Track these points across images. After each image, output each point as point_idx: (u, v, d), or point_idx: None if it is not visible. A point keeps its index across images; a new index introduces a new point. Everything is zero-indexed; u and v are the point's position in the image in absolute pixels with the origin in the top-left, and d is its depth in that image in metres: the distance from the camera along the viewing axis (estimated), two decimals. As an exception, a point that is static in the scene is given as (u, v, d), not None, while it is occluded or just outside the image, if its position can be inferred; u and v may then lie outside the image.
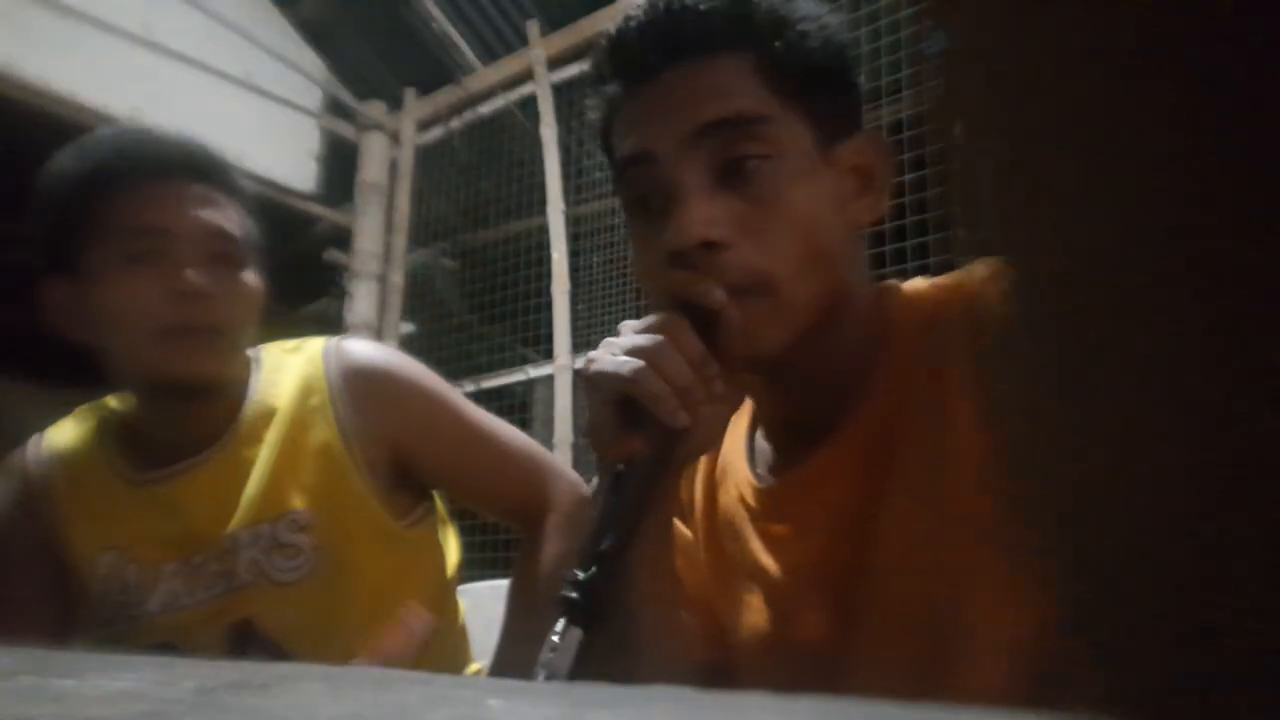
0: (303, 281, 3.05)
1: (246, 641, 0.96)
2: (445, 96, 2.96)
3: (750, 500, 0.73)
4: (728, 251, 0.61)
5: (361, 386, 1.01)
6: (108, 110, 2.46)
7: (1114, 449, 0.20)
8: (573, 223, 2.60)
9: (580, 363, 2.47)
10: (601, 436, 0.62)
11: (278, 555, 0.96)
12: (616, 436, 0.60)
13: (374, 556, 1.00)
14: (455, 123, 2.96)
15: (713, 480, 0.78)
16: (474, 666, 1.12)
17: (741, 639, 0.73)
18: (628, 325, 0.63)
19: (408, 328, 2.98)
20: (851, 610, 0.65)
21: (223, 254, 0.95)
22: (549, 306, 2.57)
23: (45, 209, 0.94)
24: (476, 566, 1.87)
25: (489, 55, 2.87)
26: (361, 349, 1.06)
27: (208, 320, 0.92)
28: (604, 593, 0.56)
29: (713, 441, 0.71)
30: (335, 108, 3.14)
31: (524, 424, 2.58)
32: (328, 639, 0.97)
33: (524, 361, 2.66)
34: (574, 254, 2.59)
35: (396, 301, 2.99)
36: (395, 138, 3.12)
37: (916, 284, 0.70)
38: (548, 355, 2.57)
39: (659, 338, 0.60)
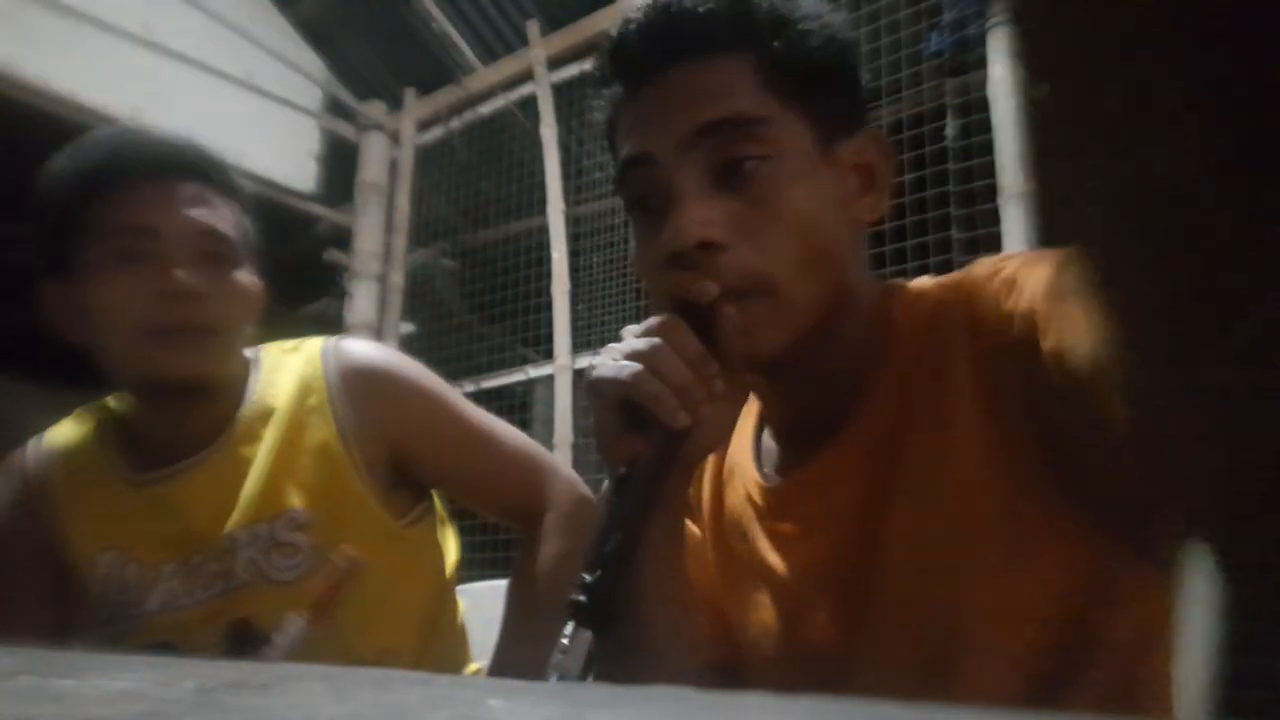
0: (303, 281, 3.05)
1: (245, 641, 0.96)
2: (445, 96, 2.96)
3: (757, 500, 0.73)
4: (725, 252, 0.61)
5: (360, 386, 1.01)
6: (108, 110, 2.46)
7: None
8: (573, 223, 2.60)
9: (580, 363, 2.47)
10: (605, 440, 0.62)
11: (276, 554, 0.96)
12: (619, 440, 0.60)
13: (372, 556, 1.00)
14: (455, 123, 2.96)
15: (720, 480, 0.79)
16: (474, 666, 1.12)
17: (749, 638, 0.73)
18: (629, 330, 0.63)
19: (408, 328, 2.98)
20: (858, 609, 0.65)
21: (215, 254, 0.95)
22: (549, 306, 2.57)
23: (40, 210, 0.94)
24: (476, 566, 1.87)
25: (489, 55, 2.87)
26: (360, 349, 1.06)
27: (198, 320, 0.92)
28: (611, 595, 0.56)
29: (719, 441, 0.71)
30: (335, 108, 3.14)
31: (524, 424, 2.58)
32: (327, 637, 0.97)
33: (524, 361, 2.66)
34: (574, 254, 2.59)
35: (396, 301, 2.99)
36: (395, 138, 3.12)
37: (920, 283, 0.70)
38: (548, 355, 2.57)
39: (657, 340, 0.60)
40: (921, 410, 0.63)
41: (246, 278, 0.98)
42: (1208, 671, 0.77)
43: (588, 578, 0.56)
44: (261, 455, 0.99)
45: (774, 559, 0.71)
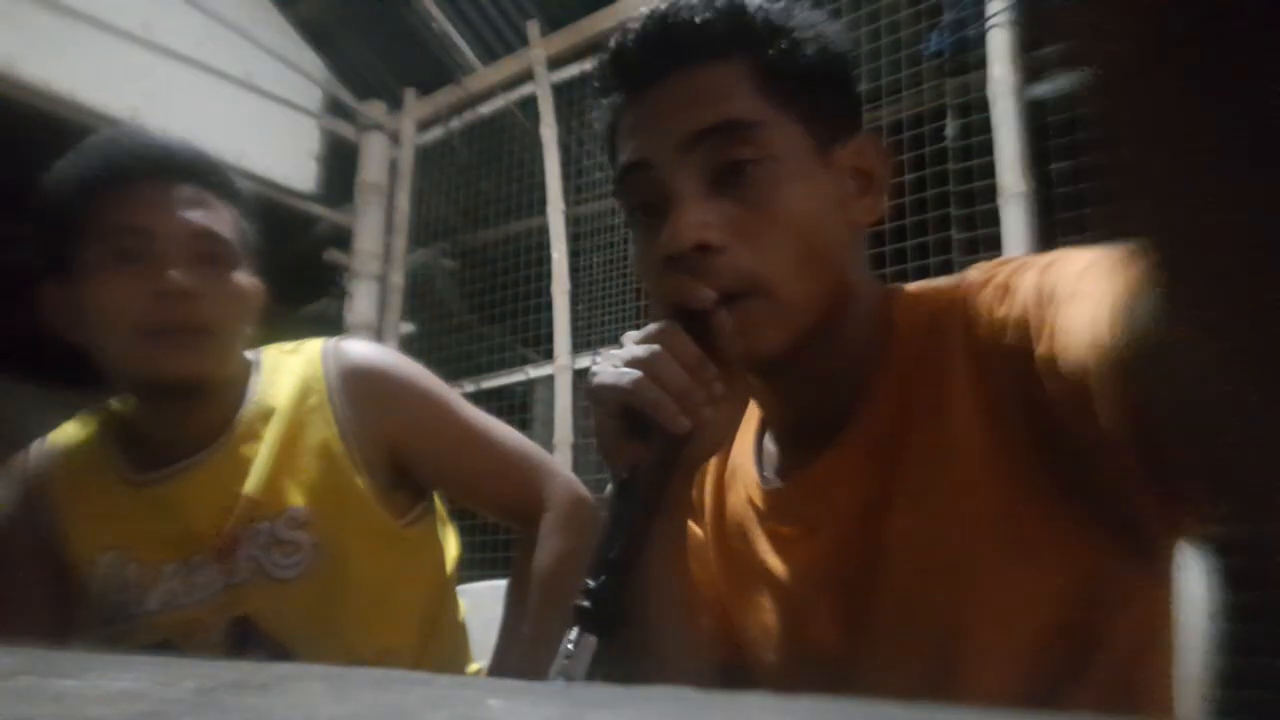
0: (303, 281, 3.05)
1: (246, 638, 0.97)
2: (445, 96, 2.96)
3: (758, 502, 0.73)
4: (723, 254, 0.62)
5: (359, 386, 1.02)
6: (107, 110, 2.46)
7: None
8: (573, 223, 2.60)
9: (580, 363, 2.47)
10: (607, 447, 0.63)
11: (276, 552, 0.97)
12: (621, 446, 0.61)
13: (372, 554, 1.00)
14: (455, 123, 2.96)
15: (722, 483, 0.79)
16: (474, 666, 1.12)
17: (752, 639, 0.74)
18: (628, 337, 0.64)
19: (408, 328, 2.98)
20: (858, 610, 0.65)
21: (211, 255, 0.95)
22: (549, 306, 2.57)
23: (41, 212, 0.95)
24: (476, 566, 1.87)
25: (489, 55, 2.87)
26: (359, 349, 1.06)
27: (193, 320, 0.93)
28: (616, 600, 0.56)
29: (720, 444, 0.72)
30: (335, 108, 3.14)
31: (524, 424, 2.58)
32: (327, 636, 0.97)
33: (524, 361, 2.66)
34: (574, 254, 2.58)
35: (396, 301, 2.99)
36: (395, 138, 3.12)
37: (918, 287, 0.70)
38: (548, 355, 2.57)
39: (655, 346, 0.61)
40: (921, 412, 0.63)
41: (244, 279, 0.99)
42: (1208, 671, 0.77)
43: (592, 583, 0.57)
44: (262, 454, 0.99)
45: (774, 561, 0.71)
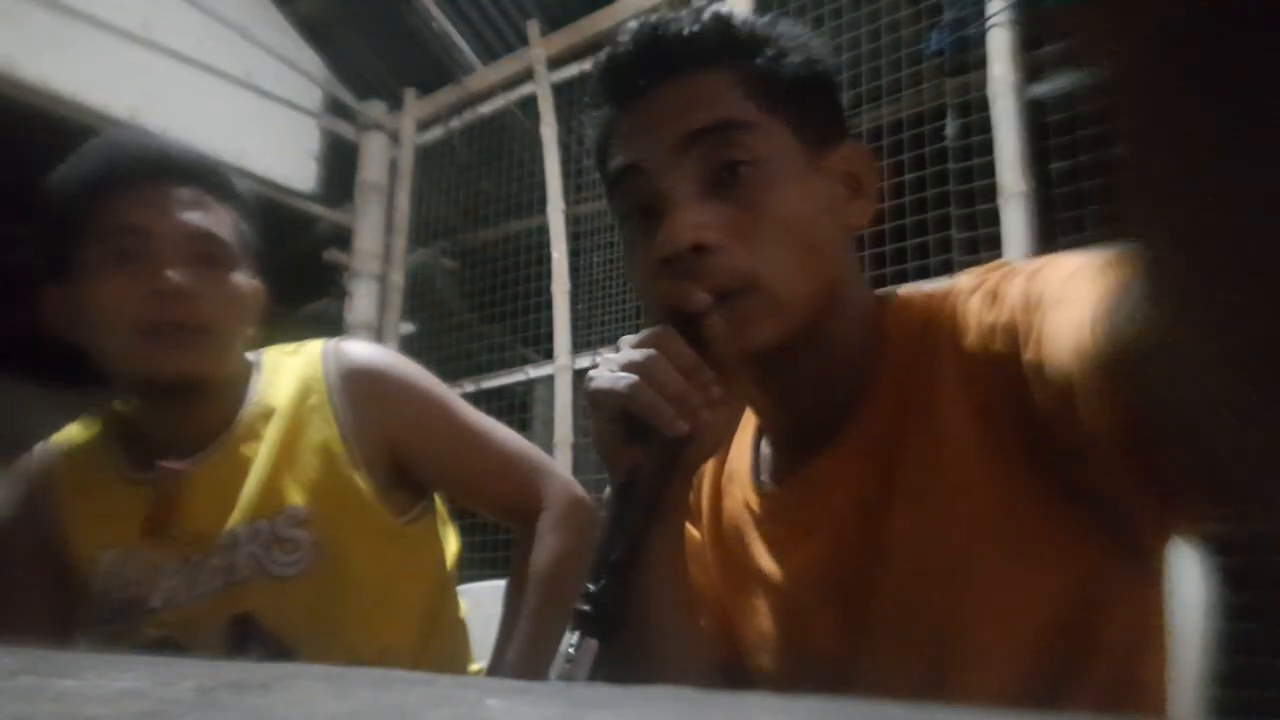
0: (303, 281, 3.05)
1: (247, 636, 0.97)
2: (445, 96, 2.96)
3: (755, 506, 0.74)
4: (717, 254, 0.63)
5: (359, 387, 1.02)
6: (107, 110, 2.46)
7: None
8: (573, 223, 2.60)
9: (580, 363, 2.47)
10: (606, 451, 0.63)
11: (276, 550, 0.97)
12: (620, 450, 0.62)
13: (372, 552, 1.01)
14: (455, 123, 2.96)
15: (719, 487, 0.79)
16: (474, 666, 1.12)
17: (750, 642, 0.74)
18: (625, 340, 0.65)
19: (408, 328, 2.98)
20: (856, 612, 0.65)
21: (209, 255, 0.96)
22: (549, 306, 2.57)
23: (40, 213, 0.96)
24: (476, 566, 1.87)
25: (489, 55, 2.87)
26: (359, 350, 1.06)
27: (190, 319, 0.94)
28: (616, 603, 0.57)
29: (717, 446, 0.72)
30: (335, 108, 3.14)
31: (524, 424, 2.58)
32: (327, 633, 0.97)
33: (524, 361, 2.66)
34: (574, 254, 2.58)
35: (396, 301, 2.99)
36: (395, 138, 3.12)
37: (910, 292, 0.71)
38: (548, 355, 2.57)
39: (651, 350, 0.61)
40: (916, 416, 0.64)
41: (242, 280, 0.99)
42: (1205, 671, 0.77)
43: (592, 587, 0.57)
44: (262, 453, 1.00)
45: (771, 564, 0.72)
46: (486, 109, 2.88)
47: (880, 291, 0.73)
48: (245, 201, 1.03)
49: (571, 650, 0.55)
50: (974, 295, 0.63)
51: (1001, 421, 0.59)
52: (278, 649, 0.97)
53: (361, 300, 2.97)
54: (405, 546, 1.05)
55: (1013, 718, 0.23)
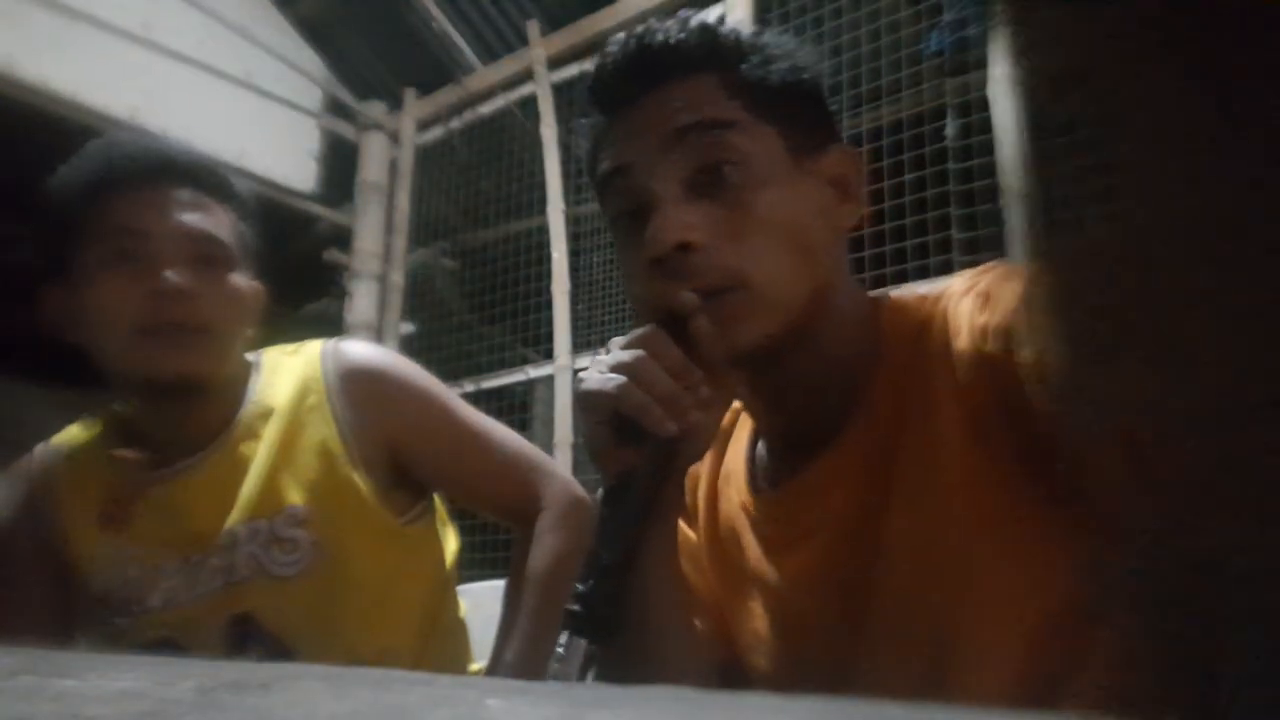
0: (303, 281, 3.05)
1: (247, 636, 0.97)
2: (445, 96, 2.96)
3: (751, 509, 0.74)
4: (704, 253, 0.63)
5: (358, 387, 1.02)
6: (107, 110, 2.46)
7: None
8: (573, 223, 2.60)
9: (580, 363, 2.47)
10: (598, 452, 0.64)
11: (276, 550, 0.97)
12: (611, 451, 0.62)
13: (372, 552, 1.01)
14: (455, 123, 2.96)
15: (715, 489, 0.79)
16: (474, 666, 1.12)
17: (746, 644, 0.74)
18: (614, 342, 0.65)
19: (408, 328, 2.98)
20: (853, 615, 0.65)
21: (207, 256, 0.96)
22: (549, 306, 2.57)
23: (40, 215, 0.97)
24: (476, 566, 1.87)
25: (489, 55, 2.86)
26: (358, 350, 1.07)
27: (188, 319, 0.94)
28: (607, 603, 0.57)
29: (709, 445, 0.72)
30: (335, 108, 3.14)
31: (524, 424, 2.58)
32: (327, 633, 0.97)
33: (524, 361, 2.66)
34: (574, 254, 2.58)
35: (396, 301, 2.98)
36: (395, 138, 3.12)
37: (905, 295, 0.71)
38: (548, 355, 2.57)
39: (639, 351, 0.62)
40: (912, 419, 0.64)
41: (241, 280, 0.99)
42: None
43: (582, 587, 0.58)
44: (261, 453, 1.00)
45: (768, 567, 0.72)
46: (486, 109, 2.87)
47: (874, 294, 0.73)
48: (244, 202, 1.04)
49: (561, 649, 0.56)
50: (967, 297, 0.64)
51: (997, 423, 0.59)
52: (277, 649, 0.97)
53: (361, 300, 2.97)
54: (405, 546, 1.05)
55: (1011, 717, 0.23)
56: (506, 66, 2.80)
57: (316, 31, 3.06)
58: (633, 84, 0.67)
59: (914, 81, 1.97)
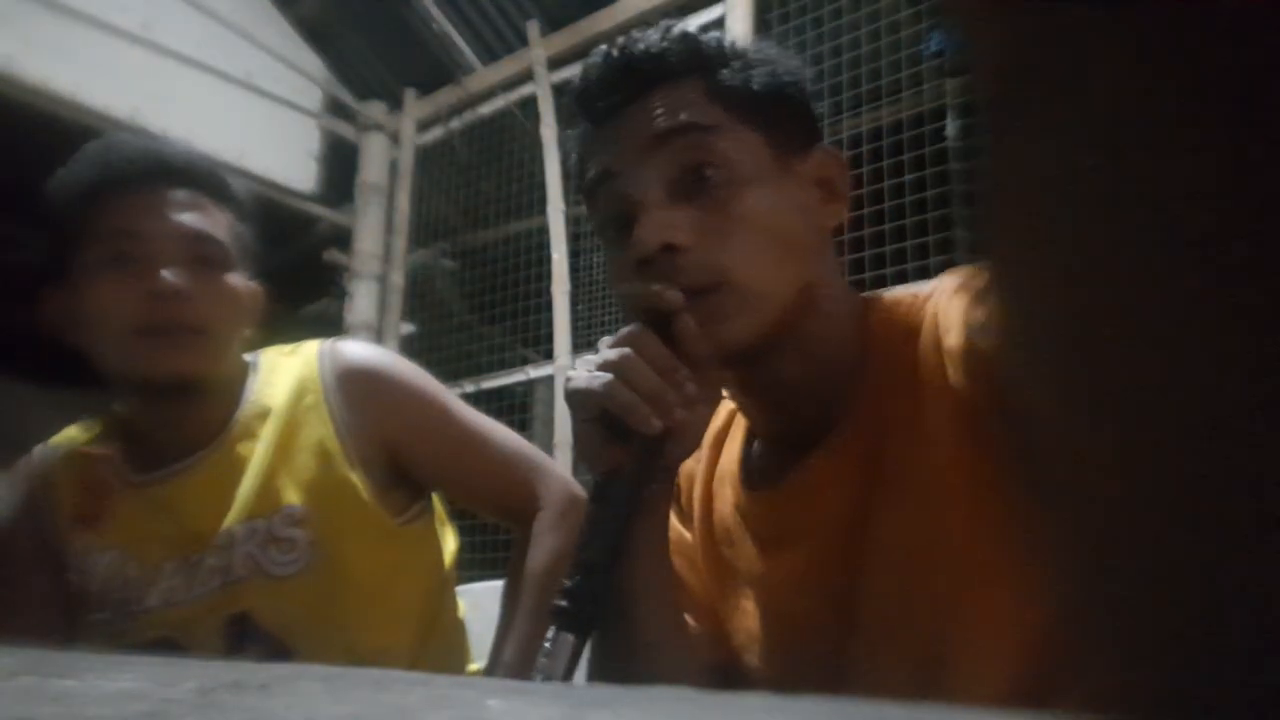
0: (303, 281, 3.05)
1: (245, 635, 0.97)
2: (445, 96, 2.96)
3: (745, 508, 0.74)
4: (688, 253, 0.64)
5: (356, 386, 1.02)
6: (107, 110, 2.46)
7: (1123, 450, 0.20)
8: (573, 223, 2.60)
9: (580, 363, 2.47)
10: (585, 451, 0.64)
11: (273, 549, 0.97)
12: (599, 450, 0.63)
13: (370, 552, 1.01)
14: (455, 123, 2.96)
15: (710, 489, 0.79)
16: (473, 666, 1.12)
17: (739, 644, 0.74)
18: (603, 341, 0.66)
19: (408, 328, 2.98)
20: (844, 616, 0.65)
21: (205, 257, 0.97)
22: (549, 306, 2.57)
23: (39, 217, 0.97)
24: (476, 567, 1.87)
25: (489, 55, 2.87)
26: (356, 350, 1.07)
27: (185, 320, 0.94)
28: (593, 599, 0.58)
29: (697, 443, 0.73)
30: (335, 108, 3.14)
31: (524, 424, 2.58)
32: (325, 632, 0.97)
33: (524, 361, 2.66)
34: (574, 254, 2.59)
35: (396, 302, 2.99)
36: (395, 138, 3.12)
37: (896, 294, 0.72)
38: (548, 355, 2.57)
39: (626, 350, 0.62)
40: (903, 417, 0.64)
41: (238, 281, 1.00)
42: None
43: (569, 583, 0.58)
44: (258, 453, 1.00)
45: (760, 566, 0.72)
46: (486, 109, 2.88)
47: (865, 294, 0.73)
48: (242, 203, 1.04)
49: (548, 645, 0.57)
50: (957, 295, 0.64)
51: (984, 421, 0.59)
52: (276, 648, 0.97)
53: (361, 301, 2.97)
54: (402, 546, 1.05)
55: (1005, 718, 0.23)
56: (506, 67, 2.80)
57: (316, 32, 3.06)
58: (616, 92, 0.69)
59: (914, 81, 1.97)
